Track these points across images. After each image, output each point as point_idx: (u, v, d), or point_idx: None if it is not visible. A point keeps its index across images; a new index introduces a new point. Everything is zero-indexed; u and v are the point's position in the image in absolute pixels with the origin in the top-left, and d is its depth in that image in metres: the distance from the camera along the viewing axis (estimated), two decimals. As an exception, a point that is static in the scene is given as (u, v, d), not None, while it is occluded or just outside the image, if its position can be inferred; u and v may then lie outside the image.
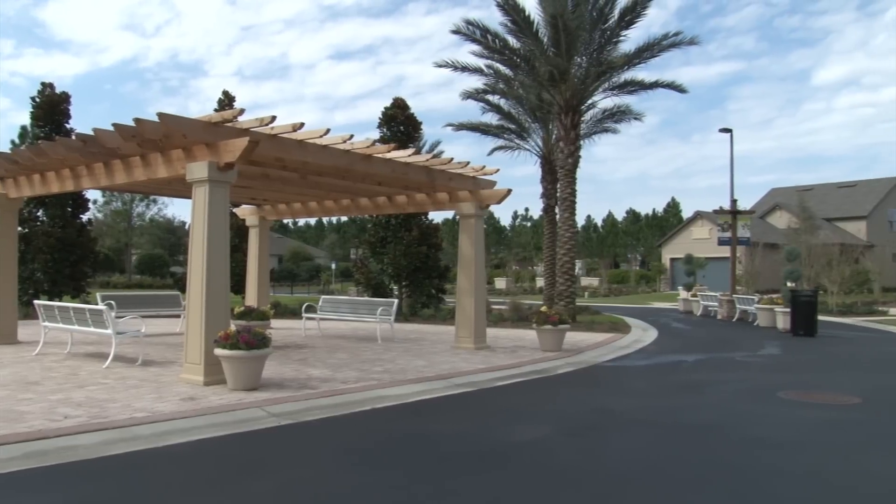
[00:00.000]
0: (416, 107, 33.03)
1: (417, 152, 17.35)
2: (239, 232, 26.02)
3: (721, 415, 9.59)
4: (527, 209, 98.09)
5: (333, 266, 69.86)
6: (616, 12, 23.51)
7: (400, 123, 26.97)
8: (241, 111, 10.79)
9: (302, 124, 11.44)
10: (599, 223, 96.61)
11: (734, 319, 27.90)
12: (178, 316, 19.60)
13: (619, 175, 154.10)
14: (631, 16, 23.42)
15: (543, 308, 17.59)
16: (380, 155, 14.07)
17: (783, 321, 23.26)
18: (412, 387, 11.10)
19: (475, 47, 24.22)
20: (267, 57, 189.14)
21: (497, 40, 23.81)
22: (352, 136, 12.85)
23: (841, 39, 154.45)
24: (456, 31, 23.63)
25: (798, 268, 26.74)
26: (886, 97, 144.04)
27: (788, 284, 24.71)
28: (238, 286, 23.91)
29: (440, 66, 25.21)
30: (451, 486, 6.12)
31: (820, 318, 23.02)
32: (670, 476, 6.53)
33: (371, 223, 27.90)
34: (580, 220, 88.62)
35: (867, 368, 14.71)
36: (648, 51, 24.19)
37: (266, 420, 8.62)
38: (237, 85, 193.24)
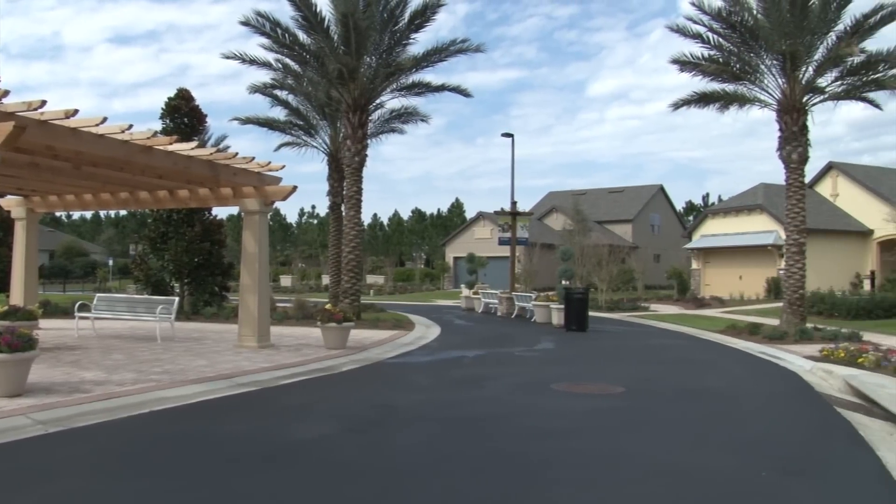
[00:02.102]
0: (201, 98, 32.08)
1: (202, 146, 16.89)
2: (3, 225, 24.19)
3: (500, 407, 10.01)
4: (313, 206, 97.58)
5: (111, 262, 66.52)
6: (406, 15, 23.86)
7: (184, 115, 26.06)
8: (6, 93, 10.03)
9: (76, 111, 10.82)
10: (385, 222, 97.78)
11: (513, 316, 29.12)
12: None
13: (405, 175, 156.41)
14: (421, 19, 23.87)
15: (328, 306, 17.62)
16: (161, 147, 13.54)
17: (558, 317, 24.54)
18: (193, 387, 10.78)
19: (265, 41, 23.81)
20: (37, 35, 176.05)
21: (287, 35, 23.54)
22: (131, 126, 12.29)
23: (612, 56, 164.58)
24: (245, 23, 23.13)
25: (571, 267, 28.24)
26: (650, 111, 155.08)
27: (563, 282, 26.07)
28: (2, 284, 22.20)
29: (228, 57, 24.58)
30: (233, 488, 6.02)
31: (591, 314, 24.51)
32: (452, 467, 6.76)
33: (152, 218, 26.74)
34: (367, 219, 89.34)
35: (630, 360, 15.83)
36: (437, 55, 24.78)
37: (31, 428, 8.07)
38: (2, 63, 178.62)
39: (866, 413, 9.49)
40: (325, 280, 48.74)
